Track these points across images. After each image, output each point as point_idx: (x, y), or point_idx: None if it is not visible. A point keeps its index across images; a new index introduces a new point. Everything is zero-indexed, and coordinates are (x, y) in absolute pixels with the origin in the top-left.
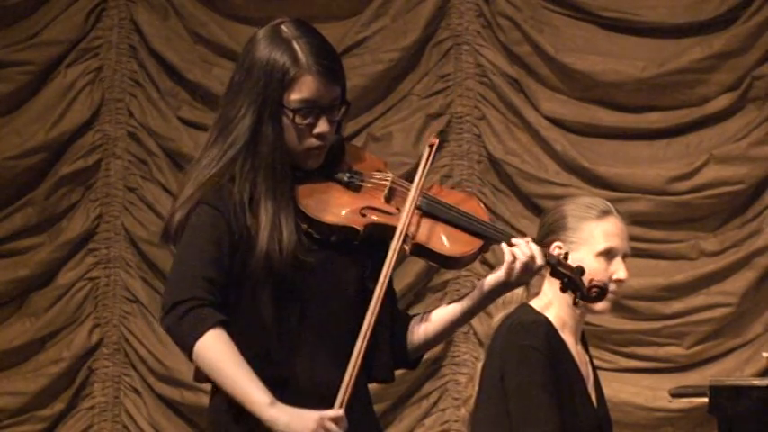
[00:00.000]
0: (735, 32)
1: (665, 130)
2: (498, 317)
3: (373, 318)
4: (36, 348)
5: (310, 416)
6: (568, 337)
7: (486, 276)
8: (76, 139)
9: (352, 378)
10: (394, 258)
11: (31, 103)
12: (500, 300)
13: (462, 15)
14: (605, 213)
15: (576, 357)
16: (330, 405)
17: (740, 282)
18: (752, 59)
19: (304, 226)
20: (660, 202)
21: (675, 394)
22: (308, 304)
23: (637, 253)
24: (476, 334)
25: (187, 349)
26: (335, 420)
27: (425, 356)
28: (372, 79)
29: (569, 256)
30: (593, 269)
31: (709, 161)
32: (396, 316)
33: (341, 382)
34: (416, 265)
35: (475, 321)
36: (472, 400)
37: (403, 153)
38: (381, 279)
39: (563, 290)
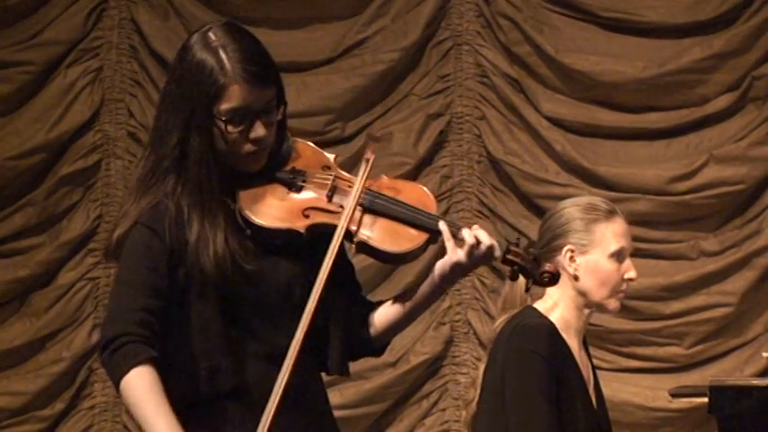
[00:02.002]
0: (735, 32)
1: (665, 130)
2: (501, 319)
3: (305, 328)
4: (36, 348)
5: None
6: (572, 340)
7: (438, 264)
8: (77, 139)
9: (274, 406)
10: (333, 257)
11: (31, 103)
12: (501, 303)
13: (462, 15)
14: (612, 213)
15: (579, 360)
16: (284, 414)
17: (740, 282)
18: (752, 59)
19: (248, 232)
20: (660, 202)
21: (675, 394)
22: (256, 312)
23: (637, 253)
24: (476, 334)
25: (115, 385)
26: None
27: (425, 356)
28: (372, 79)
29: (577, 259)
30: (607, 271)
31: (709, 161)
32: (357, 308)
33: (294, 385)
34: (416, 265)
35: (475, 321)
36: (474, 404)
37: (403, 153)
38: (319, 280)
39: (512, 278)
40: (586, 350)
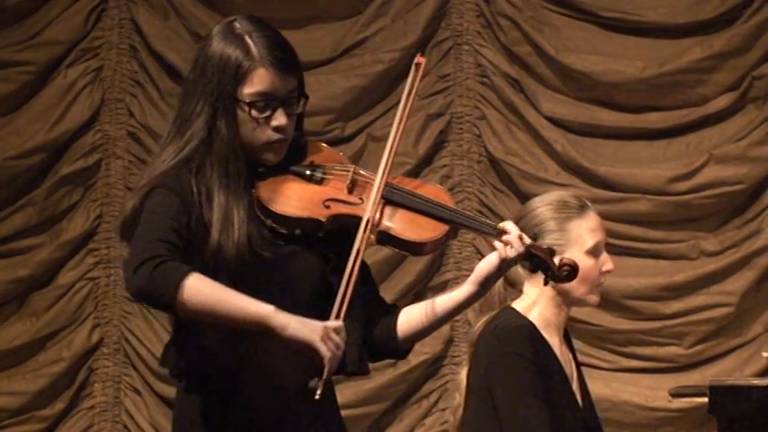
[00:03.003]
0: (735, 32)
1: (665, 130)
2: (481, 321)
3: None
4: (36, 348)
5: (315, 324)
6: (553, 337)
7: (478, 266)
8: (77, 139)
9: (350, 288)
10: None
11: (31, 103)
12: (479, 304)
13: (462, 15)
14: (584, 208)
15: (561, 357)
16: (291, 402)
17: (740, 282)
18: (752, 59)
19: (268, 221)
20: (660, 202)
21: (675, 394)
22: (268, 300)
23: (637, 253)
24: None
25: (169, 298)
26: (337, 331)
27: (425, 356)
28: (372, 79)
29: (555, 260)
30: (586, 267)
31: (710, 161)
32: (376, 307)
33: (301, 377)
34: (416, 265)
35: (475, 321)
36: (460, 408)
37: (403, 153)
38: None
39: (533, 271)
40: (569, 345)
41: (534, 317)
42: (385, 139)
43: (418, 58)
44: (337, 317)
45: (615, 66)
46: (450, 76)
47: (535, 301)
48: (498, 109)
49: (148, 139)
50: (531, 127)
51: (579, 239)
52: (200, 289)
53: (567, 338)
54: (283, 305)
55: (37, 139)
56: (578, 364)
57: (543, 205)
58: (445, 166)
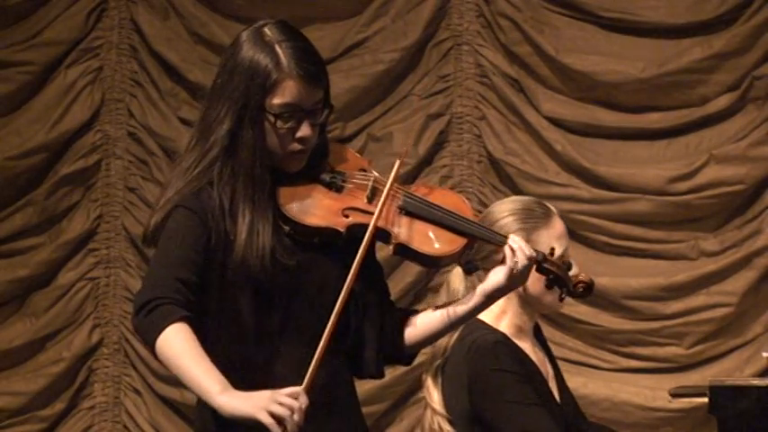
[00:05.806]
0: (735, 32)
1: (665, 130)
2: (454, 338)
3: (341, 305)
4: (36, 348)
5: (262, 395)
6: (525, 342)
7: (485, 278)
8: (77, 140)
9: (320, 358)
10: (363, 252)
11: (31, 103)
12: None
13: (462, 15)
14: (548, 216)
15: (535, 359)
16: (313, 407)
17: (740, 282)
18: (752, 59)
19: (286, 228)
20: (660, 203)
21: (675, 394)
22: (290, 308)
23: (637, 253)
24: None
25: (150, 345)
26: (292, 396)
27: (425, 356)
28: (372, 79)
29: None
30: None
31: (710, 161)
32: (389, 312)
33: (323, 384)
34: (416, 266)
35: None
36: (435, 426)
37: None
38: (352, 271)
39: (548, 286)
40: (541, 342)
41: (504, 326)
42: (385, 139)
43: (402, 151)
44: (304, 387)
45: (615, 66)
46: (451, 77)
47: (504, 310)
48: (498, 109)
49: (148, 140)
50: (531, 127)
51: (547, 250)
52: (171, 344)
53: (538, 336)
54: (308, 315)
55: (37, 139)
56: (553, 360)
57: (508, 215)
58: (445, 166)
